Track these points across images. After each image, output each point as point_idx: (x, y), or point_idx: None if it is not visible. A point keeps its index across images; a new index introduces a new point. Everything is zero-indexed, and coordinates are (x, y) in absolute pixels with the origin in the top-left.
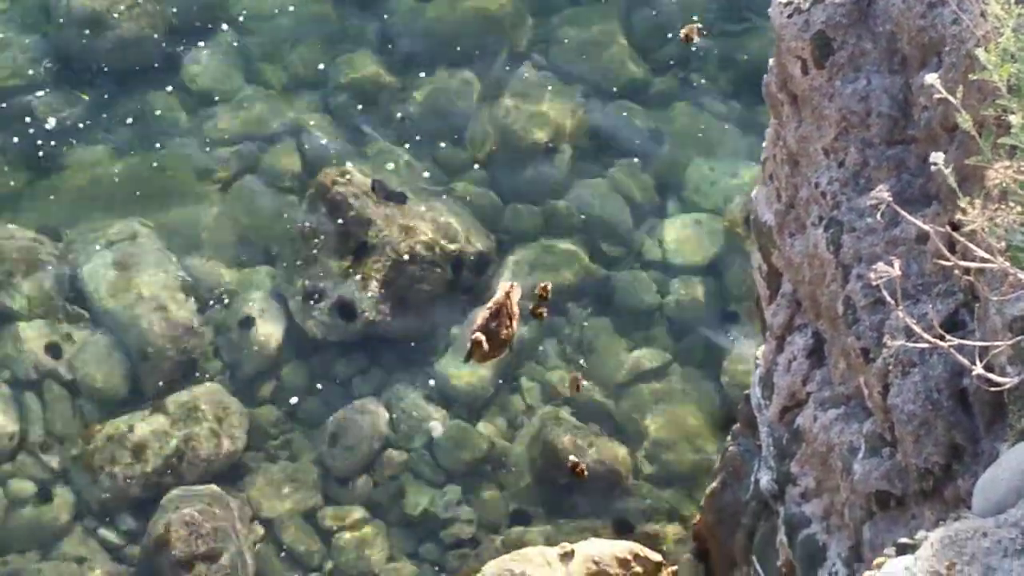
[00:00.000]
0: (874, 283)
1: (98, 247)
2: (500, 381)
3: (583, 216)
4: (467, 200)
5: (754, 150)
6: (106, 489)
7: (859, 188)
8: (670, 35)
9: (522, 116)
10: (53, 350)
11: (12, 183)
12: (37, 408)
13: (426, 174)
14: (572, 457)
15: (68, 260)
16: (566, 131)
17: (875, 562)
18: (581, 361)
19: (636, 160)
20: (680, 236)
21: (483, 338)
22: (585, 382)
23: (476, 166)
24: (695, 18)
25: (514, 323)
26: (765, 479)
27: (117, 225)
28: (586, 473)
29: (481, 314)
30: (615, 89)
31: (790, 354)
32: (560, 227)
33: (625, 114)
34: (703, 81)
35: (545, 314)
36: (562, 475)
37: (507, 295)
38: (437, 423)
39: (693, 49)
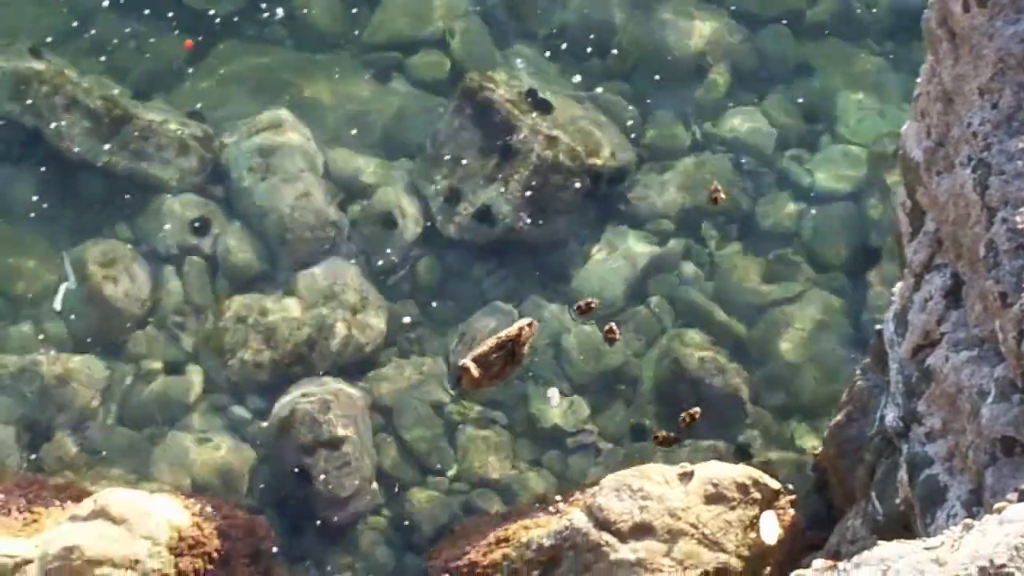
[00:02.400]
0: (1019, 227)
1: (245, 133)
2: (633, 297)
3: (728, 137)
4: (613, 113)
5: (906, 85)
6: (236, 370)
7: (1011, 131)
8: None
9: (676, 32)
10: (195, 227)
11: (167, 67)
12: (175, 282)
13: (574, 85)
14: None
15: (216, 143)
16: (718, 51)
17: (995, 507)
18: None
19: (786, 86)
20: (825, 165)
21: (472, 366)
22: (617, 330)
23: (625, 80)
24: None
25: (516, 360)
26: (891, 416)
27: (265, 113)
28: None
29: (487, 342)
30: (771, 13)
31: (927, 293)
32: (704, 147)
33: (779, 39)
34: (859, 12)
35: (617, 335)
36: (688, 394)
37: (520, 331)
38: (555, 391)
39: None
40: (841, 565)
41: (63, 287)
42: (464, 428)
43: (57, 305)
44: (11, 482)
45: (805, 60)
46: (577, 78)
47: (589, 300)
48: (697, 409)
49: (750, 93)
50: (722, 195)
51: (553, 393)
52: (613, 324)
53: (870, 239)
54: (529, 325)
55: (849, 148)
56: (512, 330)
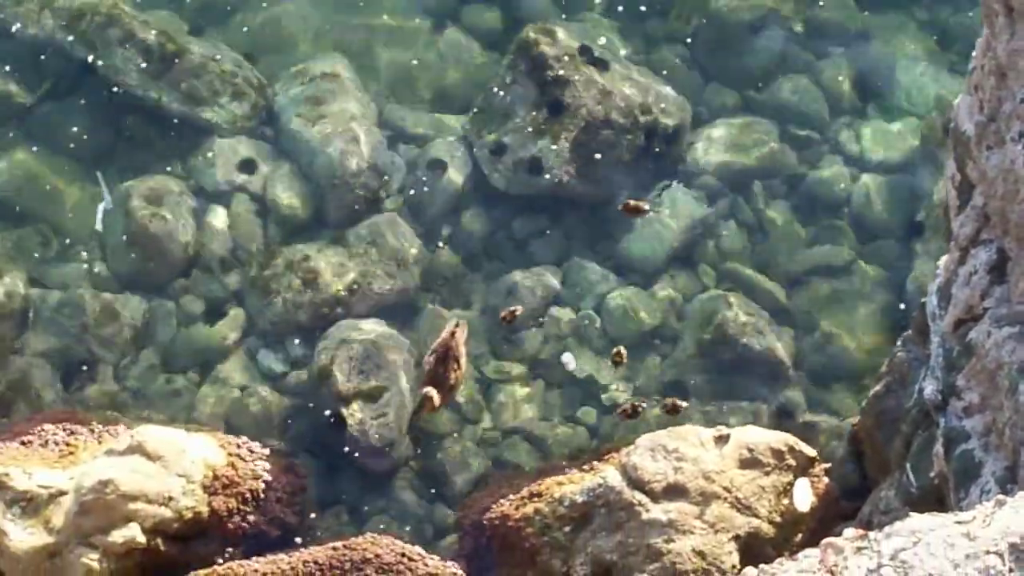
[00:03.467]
0: None
1: (298, 77)
2: (678, 258)
3: (783, 102)
4: (669, 73)
5: (961, 59)
6: (277, 313)
7: None
8: None
9: None
10: (244, 169)
11: (227, 5)
12: (222, 224)
13: (631, 44)
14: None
15: (269, 86)
16: (777, 15)
17: None
18: (756, 249)
19: (842, 52)
20: (876, 135)
21: (433, 393)
22: (624, 354)
23: (682, 41)
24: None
25: (461, 364)
26: (929, 389)
27: (319, 58)
28: None
29: (426, 360)
30: None
31: (972, 267)
32: (758, 110)
33: (838, 5)
34: None
35: (623, 358)
36: (728, 356)
37: (452, 335)
38: (570, 355)
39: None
40: (872, 535)
41: (101, 207)
42: (501, 381)
43: (99, 225)
44: (49, 415)
45: (862, 27)
46: (636, 38)
47: (513, 309)
48: (684, 402)
49: (805, 58)
50: (644, 206)
51: (569, 358)
52: (621, 348)
53: (917, 210)
54: (457, 326)
55: (901, 117)
56: (444, 337)
